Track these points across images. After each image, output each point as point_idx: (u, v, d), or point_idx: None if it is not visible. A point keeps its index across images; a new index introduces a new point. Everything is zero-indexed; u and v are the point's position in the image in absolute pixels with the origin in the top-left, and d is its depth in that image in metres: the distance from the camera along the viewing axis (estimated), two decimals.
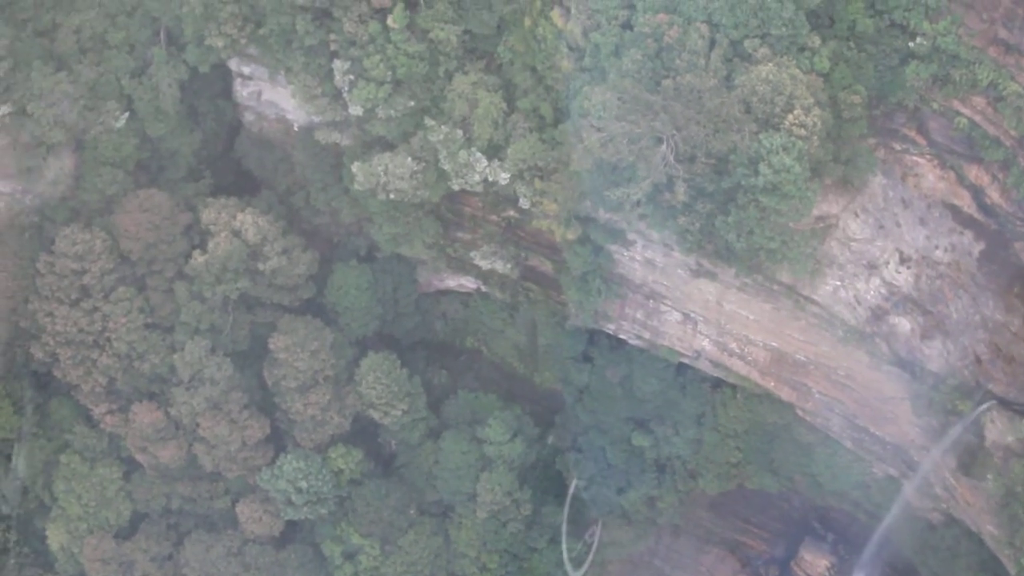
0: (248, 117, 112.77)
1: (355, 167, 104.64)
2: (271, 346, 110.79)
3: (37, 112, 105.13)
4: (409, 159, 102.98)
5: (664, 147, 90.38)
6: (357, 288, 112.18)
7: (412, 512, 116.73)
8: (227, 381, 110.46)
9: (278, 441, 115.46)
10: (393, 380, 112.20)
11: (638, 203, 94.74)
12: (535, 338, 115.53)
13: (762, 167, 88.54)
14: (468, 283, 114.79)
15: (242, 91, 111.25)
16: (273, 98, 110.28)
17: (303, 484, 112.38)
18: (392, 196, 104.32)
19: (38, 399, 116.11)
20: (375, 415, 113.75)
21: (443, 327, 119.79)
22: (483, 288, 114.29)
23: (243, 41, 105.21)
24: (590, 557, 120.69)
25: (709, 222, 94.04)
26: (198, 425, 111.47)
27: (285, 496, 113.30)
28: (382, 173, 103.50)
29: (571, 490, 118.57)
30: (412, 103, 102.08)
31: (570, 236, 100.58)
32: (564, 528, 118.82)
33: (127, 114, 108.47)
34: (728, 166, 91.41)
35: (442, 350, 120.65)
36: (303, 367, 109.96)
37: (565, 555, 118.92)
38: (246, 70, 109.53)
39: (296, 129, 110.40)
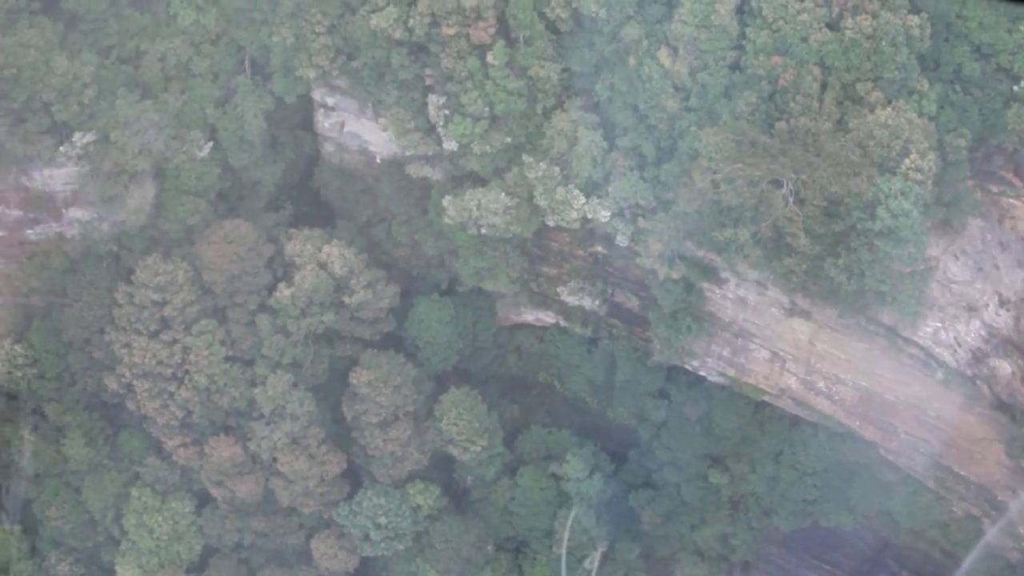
0: (328, 148, 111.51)
1: (446, 201, 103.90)
2: (352, 380, 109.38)
3: (121, 140, 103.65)
4: (503, 194, 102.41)
5: (784, 190, 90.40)
6: (439, 322, 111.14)
7: (489, 548, 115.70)
8: (307, 416, 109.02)
9: (353, 476, 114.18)
10: (474, 416, 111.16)
11: (744, 244, 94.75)
12: (612, 373, 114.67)
13: (880, 211, 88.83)
14: (547, 317, 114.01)
15: (324, 122, 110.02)
16: (356, 130, 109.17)
17: (383, 520, 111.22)
18: (483, 231, 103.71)
19: (108, 431, 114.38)
20: (454, 451, 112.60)
21: (516, 361, 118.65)
22: (562, 323, 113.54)
23: (334, 73, 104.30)
24: None
25: (816, 264, 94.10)
26: (276, 460, 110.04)
27: (363, 532, 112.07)
28: (474, 208, 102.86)
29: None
30: (508, 139, 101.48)
31: (674, 275, 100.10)
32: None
33: (211, 143, 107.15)
34: (840, 209, 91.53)
35: (514, 384, 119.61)
36: (385, 402, 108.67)
37: None
38: (330, 101, 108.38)
39: (379, 161, 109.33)
